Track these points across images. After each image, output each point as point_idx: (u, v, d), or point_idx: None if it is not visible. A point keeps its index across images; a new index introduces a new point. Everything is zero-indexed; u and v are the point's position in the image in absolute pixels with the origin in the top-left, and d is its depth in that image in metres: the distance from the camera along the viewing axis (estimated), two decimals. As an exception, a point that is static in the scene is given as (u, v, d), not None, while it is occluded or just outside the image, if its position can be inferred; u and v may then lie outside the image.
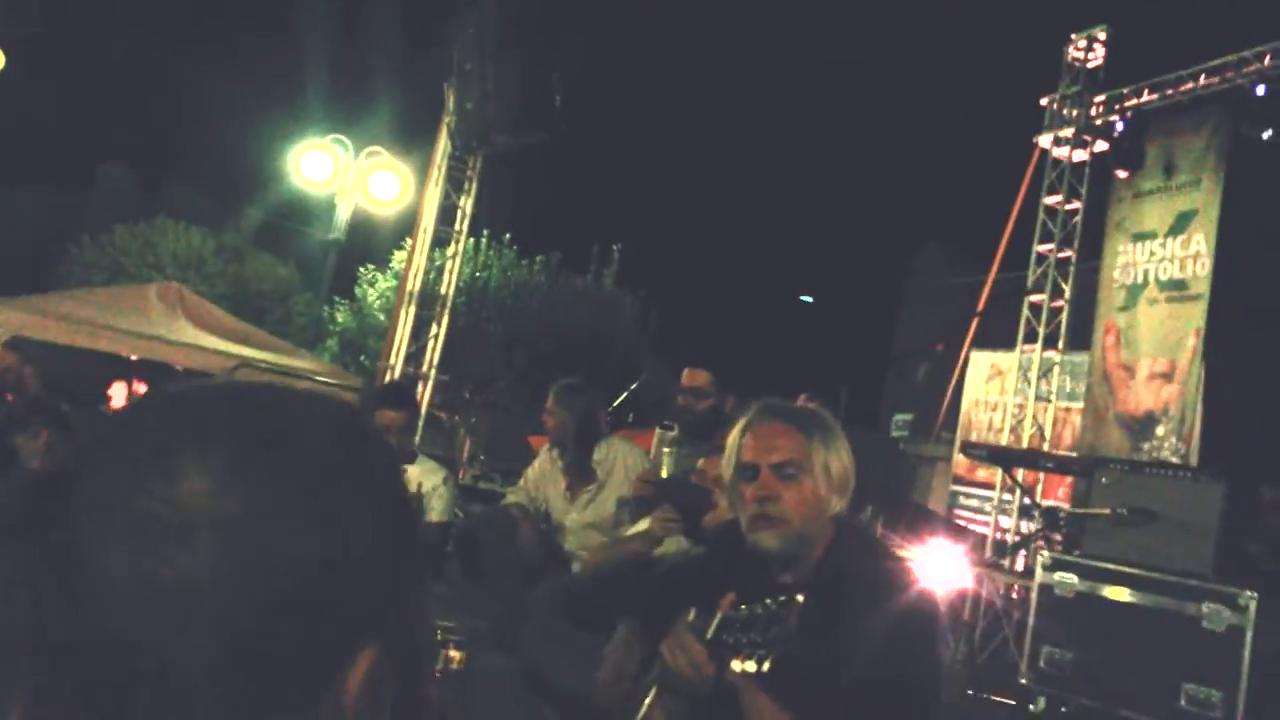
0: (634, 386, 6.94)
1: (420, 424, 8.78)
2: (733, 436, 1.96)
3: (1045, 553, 5.56)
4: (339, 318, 16.57)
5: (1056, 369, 11.23)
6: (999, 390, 14.95)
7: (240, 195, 23.82)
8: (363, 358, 14.46)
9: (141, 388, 10.15)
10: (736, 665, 1.61)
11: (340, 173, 10.64)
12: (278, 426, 0.56)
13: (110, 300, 10.06)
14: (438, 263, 9.23)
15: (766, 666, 1.60)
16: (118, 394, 9.09)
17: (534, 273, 16.29)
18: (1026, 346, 11.43)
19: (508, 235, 16.28)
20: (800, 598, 1.62)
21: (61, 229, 21.36)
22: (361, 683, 0.55)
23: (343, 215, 12.12)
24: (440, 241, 9.29)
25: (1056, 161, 11.27)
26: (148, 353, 9.77)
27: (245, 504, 0.52)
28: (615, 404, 6.93)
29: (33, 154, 22.77)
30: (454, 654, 4.48)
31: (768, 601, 1.62)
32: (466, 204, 9.12)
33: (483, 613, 5.20)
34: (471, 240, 15.12)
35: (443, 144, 8.92)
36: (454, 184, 9.08)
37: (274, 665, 0.52)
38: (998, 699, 5.89)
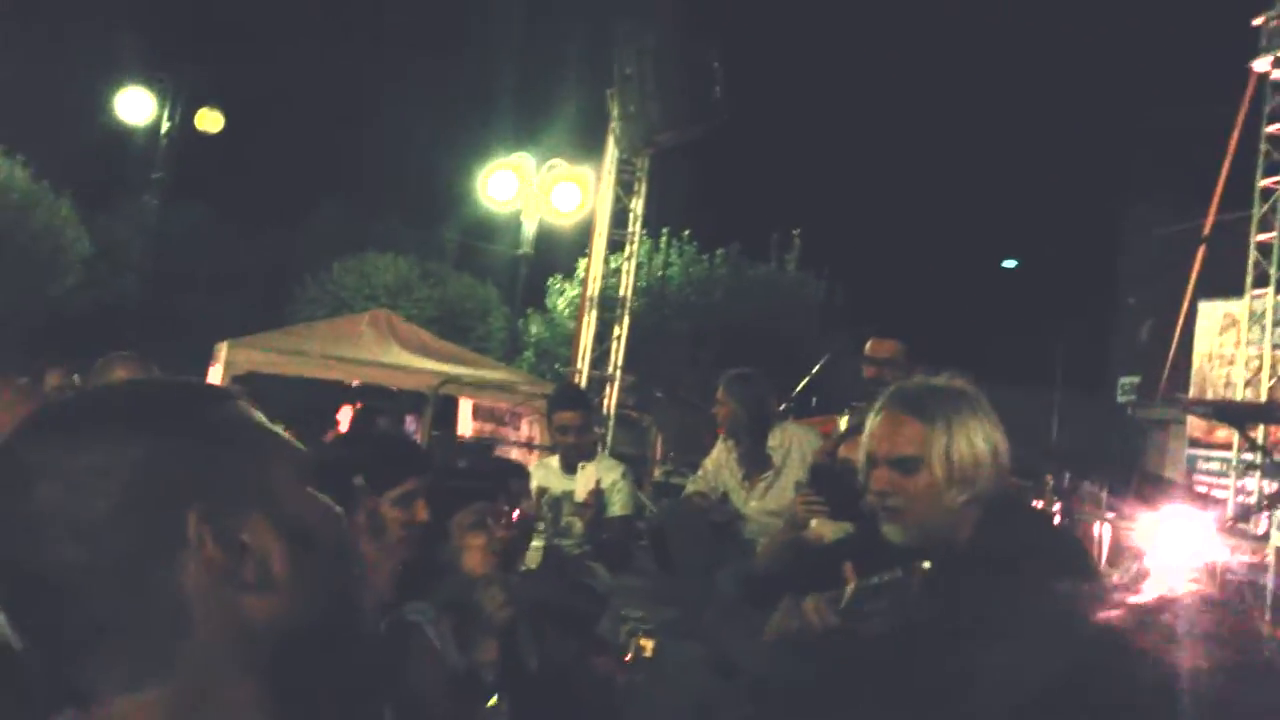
0: (815, 370, 6.86)
1: (611, 424, 9.03)
2: (868, 423, 1.92)
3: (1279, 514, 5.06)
4: (533, 329, 17.23)
5: (1295, 313, 10.19)
6: (1235, 342, 13.67)
7: (437, 221, 25.24)
8: (557, 365, 14.98)
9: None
10: (865, 632, 1.62)
11: (524, 188, 11.09)
12: (82, 404, 0.82)
13: (329, 332, 10.92)
14: (615, 266, 9.45)
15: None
16: (344, 418, 9.82)
17: (715, 267, 16.32)
18: (1257, 291, 10.43)
19: (686, 232, 16.42)
20: (926, 564, 1.60)
21: (285, 270, 23.34)
22: (196, 534, 0.74)
23: (529, 230, 12.64)
24: (616, 245, 9.50)
25: (1277, 85, 10.22)
26: (365, 377, 10.54)
27: (64, 449, 0.75)
28: (797, 389, 6.88)
29: (253, 203, 25.01)
30: (645, 642, 4.60)
31: (896, 571, 1.62)
32: (638, 206, 9.29)
33: (674, 602, 5.30)
34: (650, 240, 15.36)
35: (610, 150, 9.13)
36: (624, 187, 9.27)
37: (126, 548, 0.73)
38: (1242, 674, 5.41)
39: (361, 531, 1.70)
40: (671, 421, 8.62)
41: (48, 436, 0.76)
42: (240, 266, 24.07)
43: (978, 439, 1.82)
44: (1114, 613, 1.70)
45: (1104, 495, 13.17)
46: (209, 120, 16.28)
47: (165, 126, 16.95)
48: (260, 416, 0.86)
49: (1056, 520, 12.27)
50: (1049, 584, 1.74)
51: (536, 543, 4.60)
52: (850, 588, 1.67)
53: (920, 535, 1.83)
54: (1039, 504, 12.50)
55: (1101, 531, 12.58)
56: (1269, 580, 5.08)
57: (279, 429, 0.86)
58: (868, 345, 4.54)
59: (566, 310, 16.01)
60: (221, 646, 0.73)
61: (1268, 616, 5.02)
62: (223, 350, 9.70)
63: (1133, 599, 1.83)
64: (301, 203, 27.01)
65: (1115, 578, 11.51)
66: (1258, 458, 9.13)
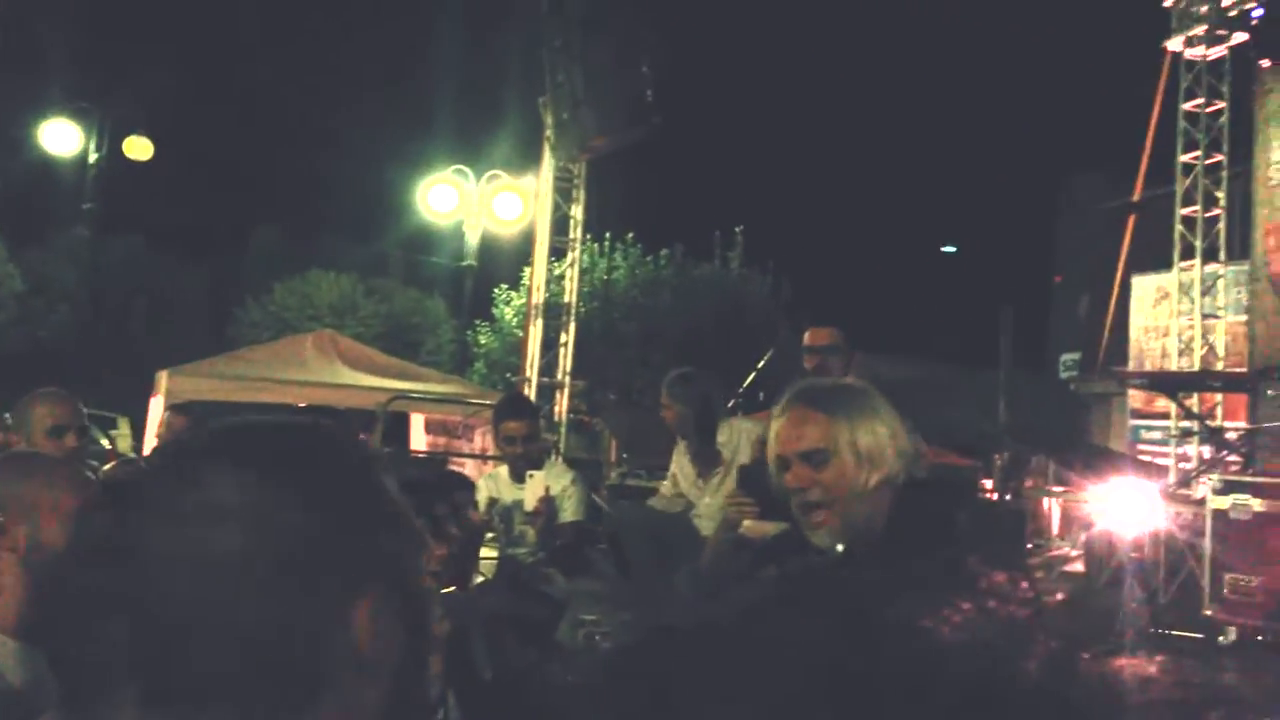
0: (761, 365, 6.94)
1: (563, 430, 9.04)
2: (769, 426, 1.97)
3: (1214, 476, 5.23)
4: (482, 340, 17.17)
5: (1222, 282, 10.49)
6: (1168, 314, 14.05)
7: (378, 236, 25.03)
8: (508, 375, 14.94)
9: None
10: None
11: (465, 200, 11.06)
12: (272, 444, 0.79)
13: (271, 355, 10.80)
14: (559, 273, 9.46)
15: None
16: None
17: (660, 268, 16.40)
18: (1184, 263, 10.74)
19: (630, 235, 16.49)
20: (840, 547, 1.66)
21: (226, 295, 22.98)
22: (367, 618, 0.72)
23: (472, 241, 12.59)
24: (559, 252, 9.52)
25: (1191, 63, 10.53)
26: (312, 399, 10.42)
27: (262, 495, 0.73)
28: (744, 385, 6.95)
29: (188, 229, 24.60)
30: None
31: (816, 554, 1.67)
32: (577, 212, 9.32)
33: (631, 604, 5.33)
34: (595, 245, 15.38)
35: (546, 158, 9.14)
36: (563, 195, 9.29)
37: (287, 610, 0.70)
38: (1185, 634, 5.58)
39: None
40: (624, 424, 8.65)
41: (246, 474, 0.73)
42: (179, 294, 23.64)
43: (878, 427, 1.88)
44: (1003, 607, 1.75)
45: (1051, 470, 13.48)
46: (138, 148, 15.99)
47: (93, 157, 16.60)
48: (393, 487, 0.83)
49: (1006, 497, 12.54)
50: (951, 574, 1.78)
51: (491, 553, 4.62)
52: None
53: (845, 529, 1.88)
54: (988, 482, 12.78)
55: (1050, 505, 12.88)
56: (1206, 542, 5.24)
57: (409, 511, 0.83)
58: (806, 335, 4.59)
59: (514, 320, 15.98)
60: None
61: (1207, 575, 5.18)
62: (163, 380, 9.54)
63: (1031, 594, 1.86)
64: (238, 226, 26.65)
65: (1065, 549, 11.77)
66: (1194, 425, 9.40)
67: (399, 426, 12.82)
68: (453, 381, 11.88)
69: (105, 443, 15.53)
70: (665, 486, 4.67)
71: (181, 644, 0.70)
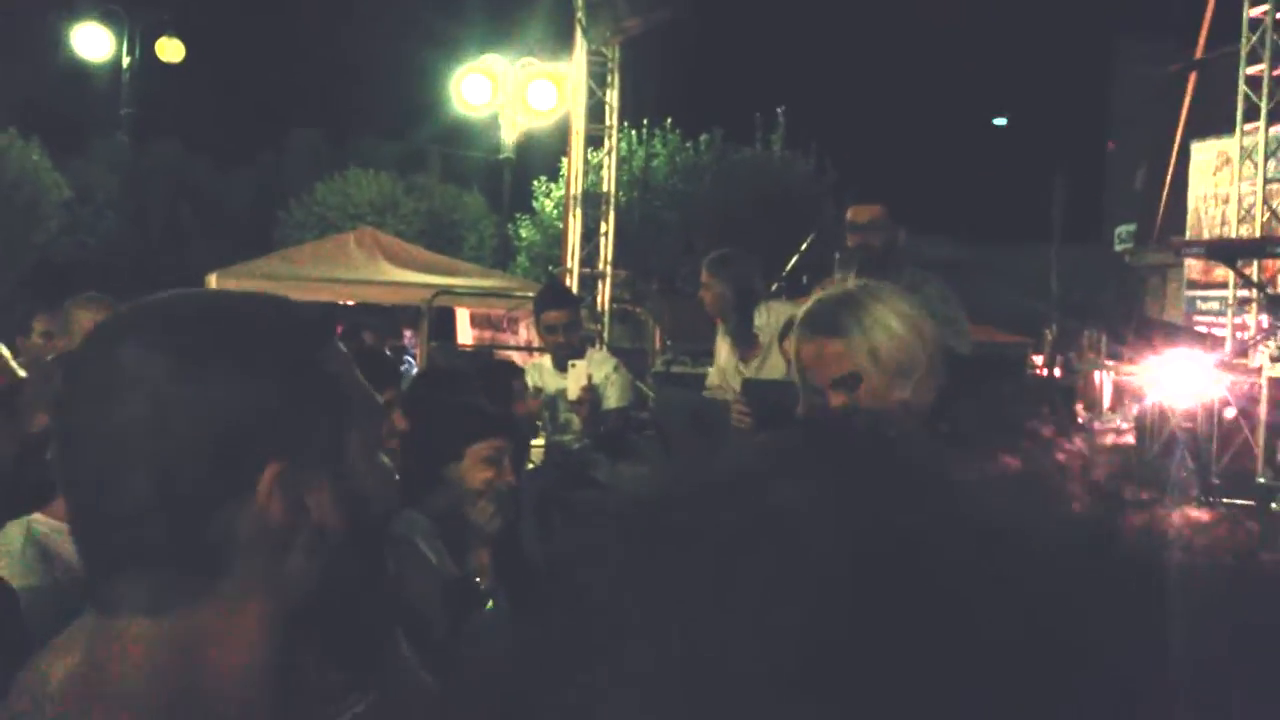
0: (804, 247, 6.83)
1: (607, 320, 9.06)
2: (788, 346, 1.94)
3: (1272, 343, 5.11)
4: (523, 233, 17.10)
5: (1287, 144, 10.06)
6: (1229, 180, 13.51)
7: (415, 132, 24.82)
8: (550, 267, 14.93)
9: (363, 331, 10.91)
10: None
11: (499, 90, 10.84)
12: (197, 318, 0.79)
13: (315, 254, 10.88)
14: (596, 162, 9.33)
15: None
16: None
17: (700, 153, 16.08)
18: (1248, 126, 10.27)
19: (668, 120, 16.11)
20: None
21: (268, 196, 23.08)
22: (270, 488, 0.72)
23: (508, 133, 12.41)
24: (596, 141, 9.36)
25: (1259, -91, 9.87)
26: (358, 296, 10.54)
27: (166, 369, 0.73)
28: (787, 268, 6.87)
29: (226, 132, 24.57)
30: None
31: None
32: (613, 98, 9.11)
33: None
34: (633, 133, 15.10)
35: (579, 42, 8.91)
36: (597, 80, 9.07)
37: (193, 479, 0.72)
38: (1236, 502, 5.55)
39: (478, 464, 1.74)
40: (667, 312, 8.63)
41: (153, 349, 0.73)
42: (222, 198, 23.79)
43: (895, 327, 1.83)
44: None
45: (1103, 343, 13.29)
46: (170, 50, 15.89)
47: (126, 61, 16.53)
48: (353, 366, 0.83)
49: (1056, 372, 12.41)
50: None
51: (538, 440, 4.69)
52: None
53: (895, 420, 1.86)
54: (1038, 358, 12.63)
55: (1103, 379, 12.74)
56: (1262, 410, 5.15)
57: (362, 381, 0.83)
58: (849, 212, 4.44)
59: (554, 212, 15.87)
60: (253, 594, 0.73)
61: (1260, 442, 5.11)
62: (212, 282, 9.68)
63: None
64: (275, 126, 26.54)
65: (1116, 422, 11.70)
66: (1253, 293, 9.15)
67: (445, 322, 12.94)
68: (495, 275, 11.91)
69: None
70: (712, 375, 4.67)
71: (91, 516, 0.74)
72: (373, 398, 0.84)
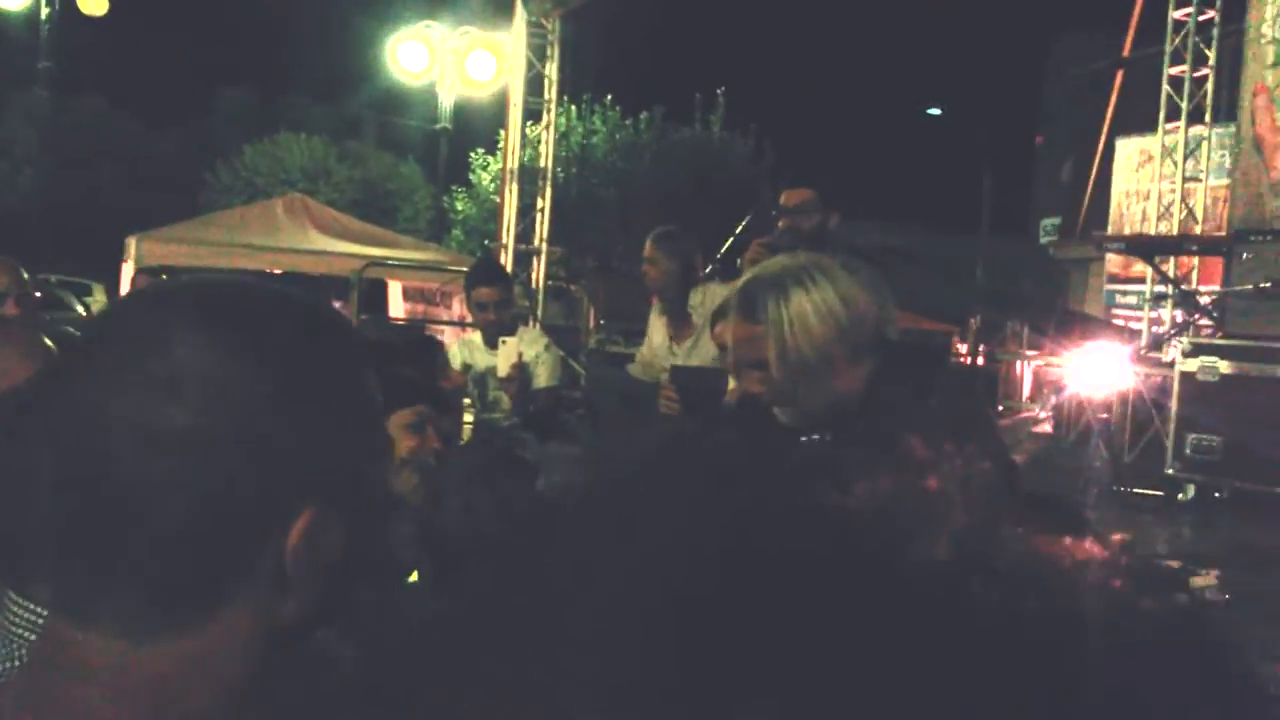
0: (739, 230, 6.86)
1: (541, 297, 9.01)
2: (720, 330, 1.96)
3: (1184, 339, 5.29)
4: (459, 206, 16.89)
5: (1206, 145, 10.36)
6: (1150, 178, 13.92)
7: (349, 98, 24.28)
8: (486, 241, 14.79)
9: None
10: None
11: (436, 59, 10.64)
12: (250, 312, 0.68)
13: (242, 220, 10.60)
14: (534, 136, 9.23)
15: None
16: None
17: (640, 132, 16.03)
18: (1170, 125, 10.57)
19: (609, 97, 16.03)
20: (825, 437, 1.67)
21: (195, 158, 22.40)
22: (301, 534, 0.65)
23: (446, 102, 12.23)
24: (535, 115, 9.26)
25: (1186, -86, 10.11)
26: (285, 265, 10.30)
27: (222, 369, 0.64)
28: (722, 250, 6.89)
29: (152, 90, 23.74)
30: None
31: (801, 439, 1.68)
32: (552, 70, 9.01)
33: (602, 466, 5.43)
34: (573, 108, 14.99)
35: (519, 13, 8.78)
36: (536, 53, 8.97)
37: (234, 508, 0.64)
38: (1145, 492, 5.75)
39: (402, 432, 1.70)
40: (601, 290, 8.60)
41: (229, 351, 0.64)
42: (147, 157, 23.01)
43: (813, 322, 1.82)
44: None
45: (1025, 334, 13.65)
46: (91, 3, 15.23)
47: (45, 12, 15.82)
48: (376, 388, 0.74)
49: (979, 361, 12.70)
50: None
51: (466, 417, 4.65)
52: None
53: (805, 416, 1.88)
54: (963, 346, 12.93)
55: (1023, 369, 13.10)
56: (1172, 403, 5.35)
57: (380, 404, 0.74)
58: (781, 196, 4.49)
59: (491, 185, 15.69)
60: (244, 624, 0.66)
61: (1171, 435, 5.30)
62: (132, 244, 9.38)
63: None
64: (204, 85, 25.73)
65: (1035, 411, 12.02)
66: (1168, 289, 9.46)
67: (377, 294, 12.73)
68: (429, 248, 11.75)
69: (80, 310, 15.42)
70: (642, 352, 4.67)
71: (91, 522, 0.64)
72: (382, 420, 0.78)
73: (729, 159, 16.20)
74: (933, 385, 1.96)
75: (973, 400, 1.97)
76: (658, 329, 4.52)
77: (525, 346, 4.15)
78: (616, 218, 14.34)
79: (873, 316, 1.94)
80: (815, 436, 1.71)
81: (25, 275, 3.05)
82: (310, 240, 10.17)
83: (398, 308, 12.76)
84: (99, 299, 15.97)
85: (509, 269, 8.88)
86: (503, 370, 4.02)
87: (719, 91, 17.04)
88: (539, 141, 9.33)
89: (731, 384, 3.38)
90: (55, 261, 17.29)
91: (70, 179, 20.76)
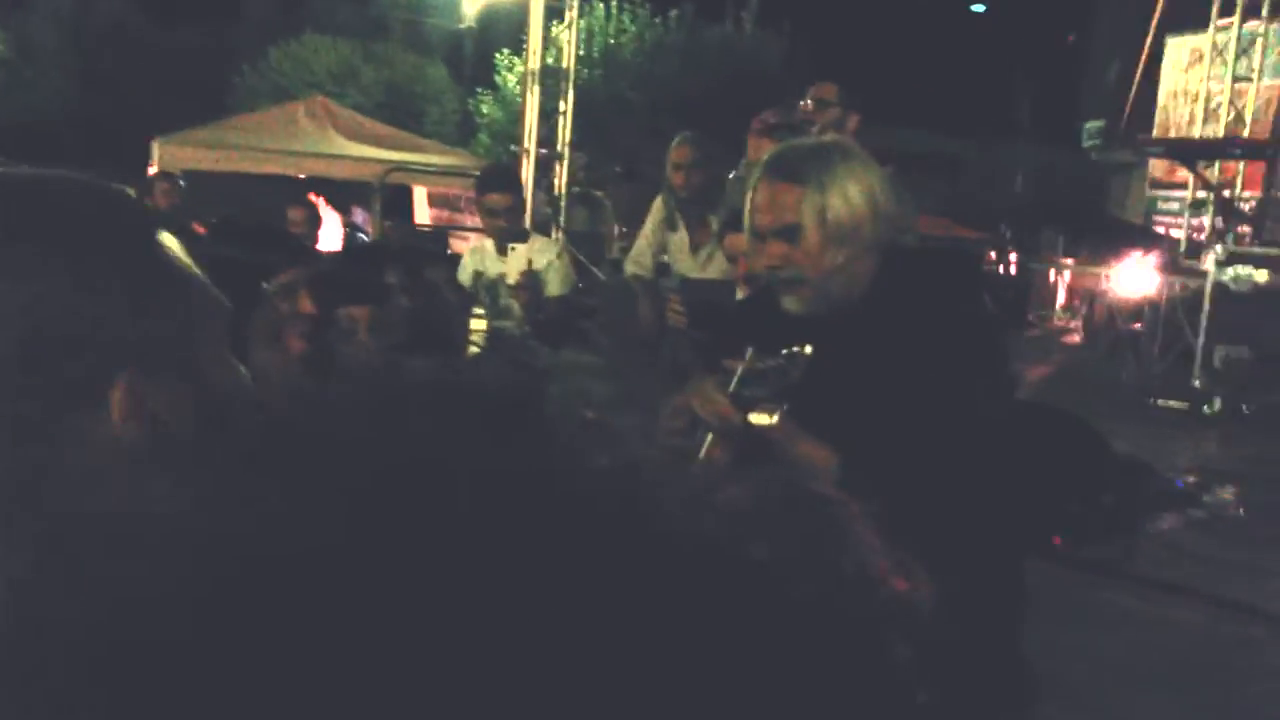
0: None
1: (563, 203, 8.90)
2: (730, 241, 1.88)
3: (1219, 248, 5.13)
4: (484, 109, 16.59)
5: (1260, 42, 9.90)
6: (1200, 78, 13.33)
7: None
8: (512, 146, 14.58)
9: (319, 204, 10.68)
10: (754, 418, 1.65)
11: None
12: (19, 203, 0.70)
13: (263, 124, 10.50)
14: (557, 36, 8.98)
15: (776, 419, 1.63)
16: (296, 217, 9.68)
17: (669, 31, 15.53)
18: (1223, 20, 10.09)
19: (638, -6, 15.52)
20: (808, 349, 1.62)
21: (221, 60, 22.15)
22: (122, 402, 0.67)
23: (471, 2, 11.88)
24: (559, 13, 9.00)
25: None
26: (307, 170, 10.23)
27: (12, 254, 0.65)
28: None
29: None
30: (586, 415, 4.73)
31: (782, 354, 1.64)
32: (575, -34, 8.72)
33: (618, 376, 5.42)
34: (601, 6, 14.56)
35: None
36: (559, -53, 8.66)
37: (38, 388, 0.65)
38: (1172, 404, 5.65)
39: (260, 338, 1.66)
40: (625, 197, 8.48)
41: None
42: (173, 60, 22.78)
43: (853, 193, 1.77)
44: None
45: (1061, 243, 13.34)
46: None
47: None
48: (187, 260, 0.75)
49: (1011, 270, 12.46)
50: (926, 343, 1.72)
51: (479, 325, 4.63)
52: (739, 370, 1.68)
53: (818, 302, 1.82)
54: (993, 254, 12.68)
55: (1057, 278, 12.84)
56: (1203, 315, 5.21)
57: (201, 276, 0.76)
58: (809, 91, 4.32)
59: (517, 88, 15.38)
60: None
61: (1200, 340, 5.17)
62: (156, 149, 9.35)
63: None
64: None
65: (1066, 321, 11.82)
66: (1209, 195, 9.15)
67: (402, 200, 12.64)
68: (454, 153, 11.61)
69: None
70: (640, 246, 4.59)
71: None
72: (216, 293, 0.78)
73: (761, 60, 15.72)
74: (936, 295, 1.90)
75: (973, 312, 1.90)
76: (681, 238, 4.44)
77: (536, 254, 4.10)
78: (644, 122, 14.03)
79: (893, 213, 1.87)
80: (796, 349, 1.65)
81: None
82: (333, 144, 10.07)
83: (423, 214, 12.69)
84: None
85: (531, 174, 8.76)
86: (512, 277, 3.98)
87: (751, -12, 16.48)
88: (563, 42, 9.09)
89: (740, 294, 3.32)
90: (84, 166, 17.32)
91: (97, 82, 20.65)
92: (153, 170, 9.75)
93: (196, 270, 0.76)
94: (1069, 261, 12.65)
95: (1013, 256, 12.22)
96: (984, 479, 1.65)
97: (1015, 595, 1.72)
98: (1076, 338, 10.35)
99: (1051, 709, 2.30)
